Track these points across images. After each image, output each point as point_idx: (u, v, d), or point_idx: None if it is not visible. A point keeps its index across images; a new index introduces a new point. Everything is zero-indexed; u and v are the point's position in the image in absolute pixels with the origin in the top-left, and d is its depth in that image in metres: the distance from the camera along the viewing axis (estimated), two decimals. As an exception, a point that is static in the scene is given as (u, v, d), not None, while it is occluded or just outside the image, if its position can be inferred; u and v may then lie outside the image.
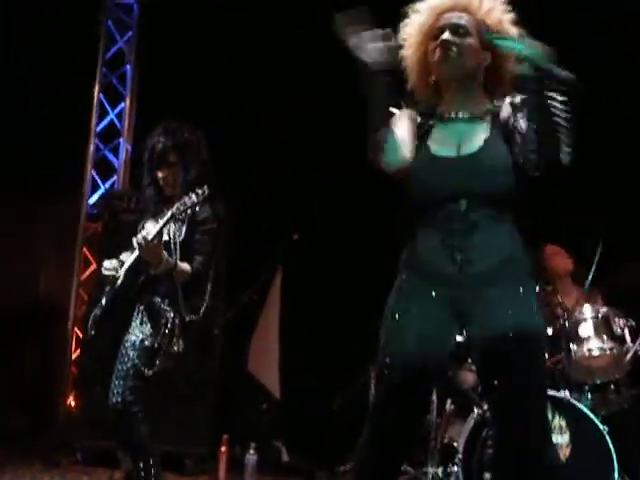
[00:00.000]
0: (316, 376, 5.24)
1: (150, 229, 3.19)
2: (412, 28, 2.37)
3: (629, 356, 3.84)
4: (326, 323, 5.30)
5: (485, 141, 2.28)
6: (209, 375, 4.88)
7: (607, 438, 3.58)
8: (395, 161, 2.32)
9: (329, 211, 5.41)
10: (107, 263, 3.36)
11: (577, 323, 3.92)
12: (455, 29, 2.29)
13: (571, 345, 3.89)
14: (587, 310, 3.94)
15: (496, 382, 2.21)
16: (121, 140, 6.06)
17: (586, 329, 3.90)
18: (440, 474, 3.96)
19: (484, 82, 2.36)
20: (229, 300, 4.69)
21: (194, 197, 3.09)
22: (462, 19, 2.30)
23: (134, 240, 3.16)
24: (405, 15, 2.38)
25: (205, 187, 3.11)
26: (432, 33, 2.33)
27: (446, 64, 2.30)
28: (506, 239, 2.27)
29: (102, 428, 3.87)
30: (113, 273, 3.31)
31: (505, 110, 2.31)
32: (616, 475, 3.53)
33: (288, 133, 5.43)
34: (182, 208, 3.09)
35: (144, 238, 3.10)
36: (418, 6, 2.37)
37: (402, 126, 2.37)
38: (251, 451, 4.46)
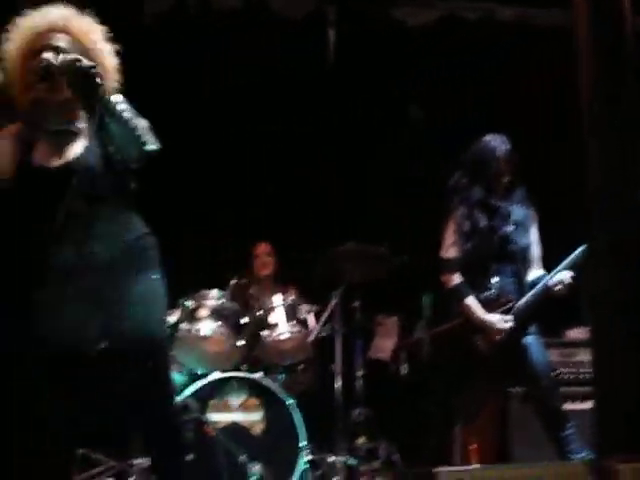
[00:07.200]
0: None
1: None
2: (13, 44, 2.49)
3: (312, 337, 4.34)
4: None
5: (84, 148, 2.52)
6: None
7: (296, 413, 4.00)
8: None
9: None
10: None
11: (268, 311, 4.33)
12: (54, 50, 2.46)
13: (263, 332, 4.29)
14: (276, 299, 4.37)
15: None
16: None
17: (275, 316, 4.32)
18: (146, 465, 4.12)
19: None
20: None
21: None
22: (61, 40, 2.48)
23: None
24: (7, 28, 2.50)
25: None
26: (32, 52, 2.47)
27: (46, 82, 2.45)
28: (121, 232, 2.52)
29: None
30: None
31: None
32: (304, 443, 3.96)
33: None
34: None
35: None
36: (19, 23, 2.50)
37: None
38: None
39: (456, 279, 3.68)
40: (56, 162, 2.51)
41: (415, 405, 4.39)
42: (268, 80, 5.46)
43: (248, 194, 5.45)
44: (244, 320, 4.31)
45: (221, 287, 4.42)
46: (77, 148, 2.54)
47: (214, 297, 4.26)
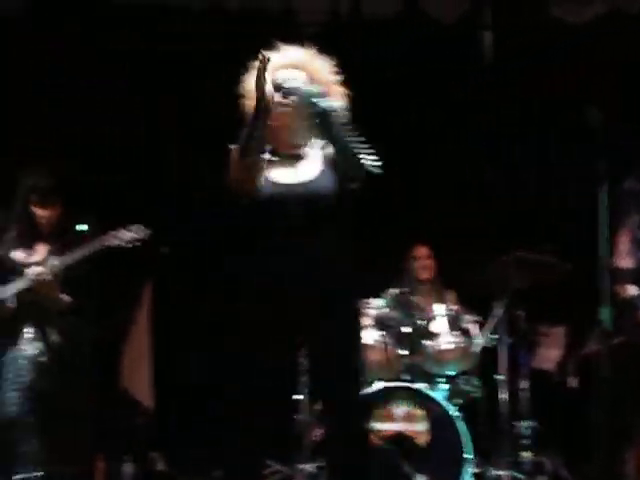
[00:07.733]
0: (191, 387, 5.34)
1: None
2: (252, 83, 2.66)
3: (476, 347, 4.26)
4: (199, 335, 5.40)
5: (316, 172, 2.69)
6: (83, 393, 4.87)
7: (461, 424, 3.95)
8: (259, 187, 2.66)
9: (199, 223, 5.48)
10: None
11: (429, 320, 4.30)
12: (279, 89, 2.64)
13: (425, 341, 4.26)
14: (438, 308, 4.33)
15: None
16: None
17: (437, 325, 4.29)
18: (312, 470, 4.19)
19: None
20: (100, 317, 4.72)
21: None
22: (295, 75, 2.67)
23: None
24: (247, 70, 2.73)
25: None
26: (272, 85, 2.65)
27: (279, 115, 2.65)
28: (331, 258, 2.65)
29: None
30: None
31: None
32: (470, 456, 3.90)
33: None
34: None
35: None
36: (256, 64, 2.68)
37: None
38: (127, 464, 4.55)
39: (631, 289, 3.51)
40: (288, 181, 2.68)
41: (584, 419, 4.23)
42: (420, 83, 5.42)
43: (403, 199, 5.42)
44: (406, 329, 4.29)
45: (377, 294, 4.43)
46: (308, 171, 2.71)
47: (377, 306, 4.28)
